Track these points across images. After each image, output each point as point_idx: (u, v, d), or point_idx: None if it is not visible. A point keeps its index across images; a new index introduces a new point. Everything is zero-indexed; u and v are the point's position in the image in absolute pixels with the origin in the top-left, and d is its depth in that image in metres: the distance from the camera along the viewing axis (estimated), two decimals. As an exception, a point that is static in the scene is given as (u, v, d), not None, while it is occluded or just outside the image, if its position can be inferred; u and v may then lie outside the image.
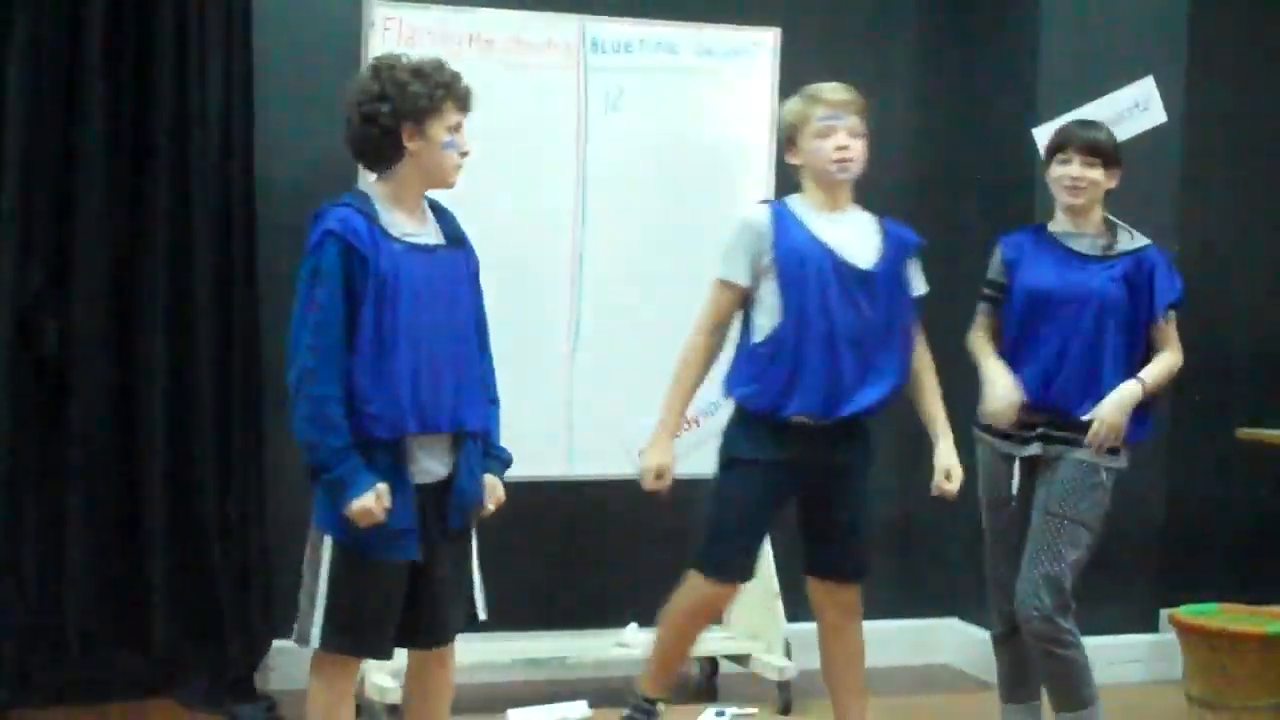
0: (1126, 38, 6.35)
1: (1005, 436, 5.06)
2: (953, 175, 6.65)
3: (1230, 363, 6.74)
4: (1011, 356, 5.04)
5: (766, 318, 4.78)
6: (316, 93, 5.83)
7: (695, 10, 6.12)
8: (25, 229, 5.53)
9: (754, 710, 5.91)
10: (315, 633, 4.15)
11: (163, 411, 5.67)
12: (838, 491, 4.89)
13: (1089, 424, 4.93)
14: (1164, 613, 5.88)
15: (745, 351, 4.85)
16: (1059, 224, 5.13)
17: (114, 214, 5.65)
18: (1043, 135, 6.20)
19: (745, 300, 4.84)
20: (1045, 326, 5.00)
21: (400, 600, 4.18)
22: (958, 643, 6.33)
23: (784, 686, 5.98)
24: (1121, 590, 6.21)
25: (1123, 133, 6.32)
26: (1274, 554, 6.76)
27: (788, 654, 5.97)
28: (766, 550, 6.01)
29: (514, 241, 5.68)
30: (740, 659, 6.09)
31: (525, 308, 5.67)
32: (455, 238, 4.34)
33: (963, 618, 6.51)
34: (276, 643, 5.71)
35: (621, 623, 6.09)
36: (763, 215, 4.84)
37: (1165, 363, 5.04)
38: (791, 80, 6.03)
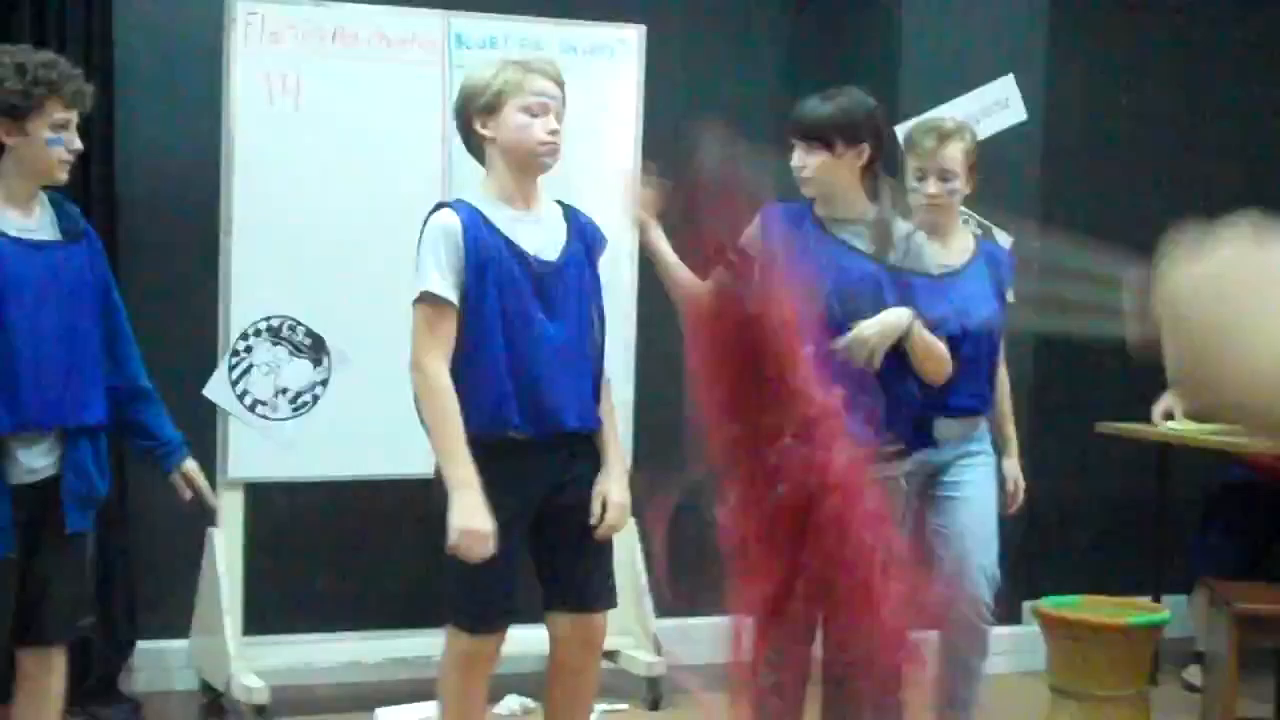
0: (988, 37, 6.42)
1: None
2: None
3: (1089, 358, 6.81)
4: None
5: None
6: (177, 89, 5.78)
7: (560, 7, 6.11)
8: None
9: (624, 706, 5.92)
10: None
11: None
12: (574, 514, 4.32)
13: None
14: (1027, 605, 5.93)
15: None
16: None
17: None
18: (904, 132, 6.26)
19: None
20: None
21: (8, 596, 4.18)
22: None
23: (653, 682, 6.01)
24: (986, 583, 6.25)
25: (984, 130, 6.40)
26: (1135, 546, 6.85)
27: (657, 649, 6.00)
28: (634, 545, 6.03)
29: (377, 238, 5.65)
30: (609, 655, 6.07)
31: (389, 305, 5.63)
32: (75, 232, 4.30)
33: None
34: (140, 644, 5.65)
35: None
36: (455, 223, 4.27)
37: None
38: (656, 77, 6.07)
